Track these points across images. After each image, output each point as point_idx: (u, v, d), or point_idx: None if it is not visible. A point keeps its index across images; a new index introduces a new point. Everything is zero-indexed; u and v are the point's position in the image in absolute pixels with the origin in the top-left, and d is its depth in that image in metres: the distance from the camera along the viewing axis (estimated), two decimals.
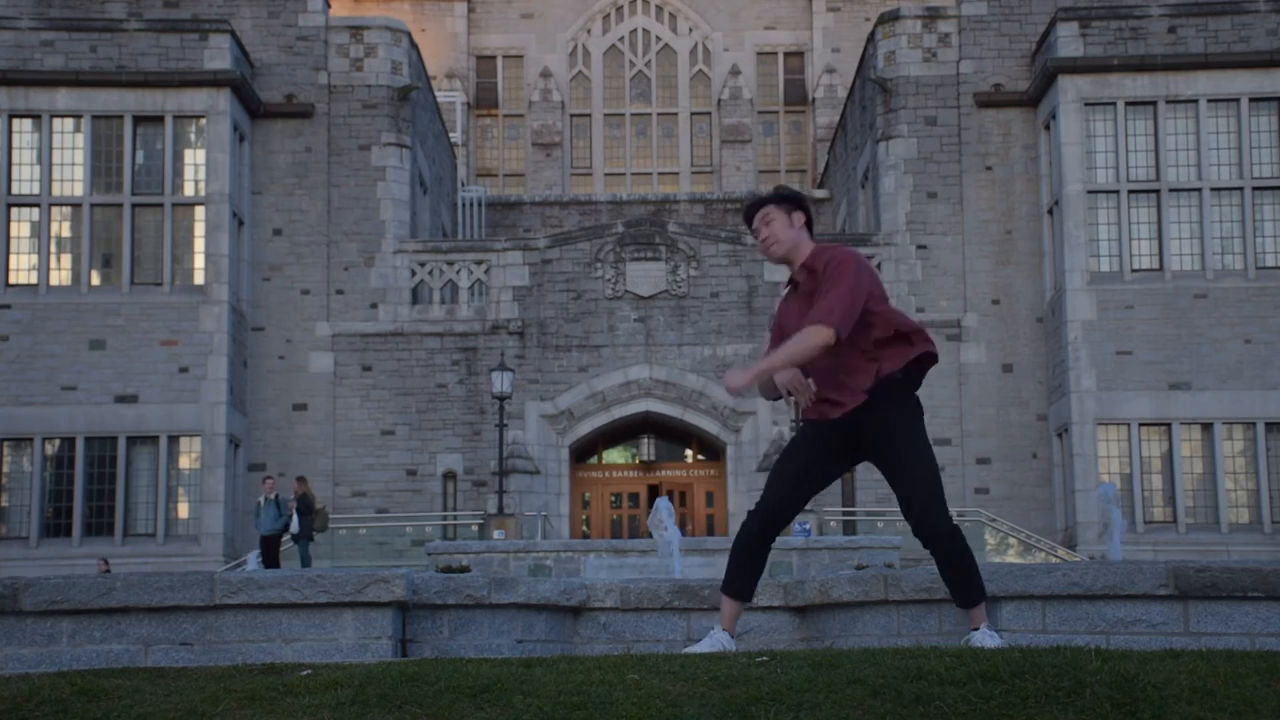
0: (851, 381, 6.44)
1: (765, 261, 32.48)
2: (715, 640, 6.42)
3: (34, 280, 30.58)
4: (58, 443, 30.26)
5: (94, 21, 31.67)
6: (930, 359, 6.74)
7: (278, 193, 32.62)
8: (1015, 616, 7.13)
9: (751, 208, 6.53)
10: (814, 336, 6.22)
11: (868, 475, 31.75)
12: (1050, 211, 31.81)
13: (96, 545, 29.52)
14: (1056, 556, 28.30)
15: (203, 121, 30.91)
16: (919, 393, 7.01)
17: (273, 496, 26.07)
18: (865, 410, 6.45)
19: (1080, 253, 30.53)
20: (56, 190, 30.71)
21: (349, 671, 5.32)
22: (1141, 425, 30.19)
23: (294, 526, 25.91)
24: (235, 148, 31.31)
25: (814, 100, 46.32)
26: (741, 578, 6.47)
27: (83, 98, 30.69)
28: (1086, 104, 30.89)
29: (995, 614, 7.25)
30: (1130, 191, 30.80)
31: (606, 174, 47.34)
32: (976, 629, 6.39)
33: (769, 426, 32.12)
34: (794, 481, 6.47)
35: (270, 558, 25.96)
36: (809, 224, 6.53)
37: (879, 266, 32.69)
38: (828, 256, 6.38)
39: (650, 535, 24.49)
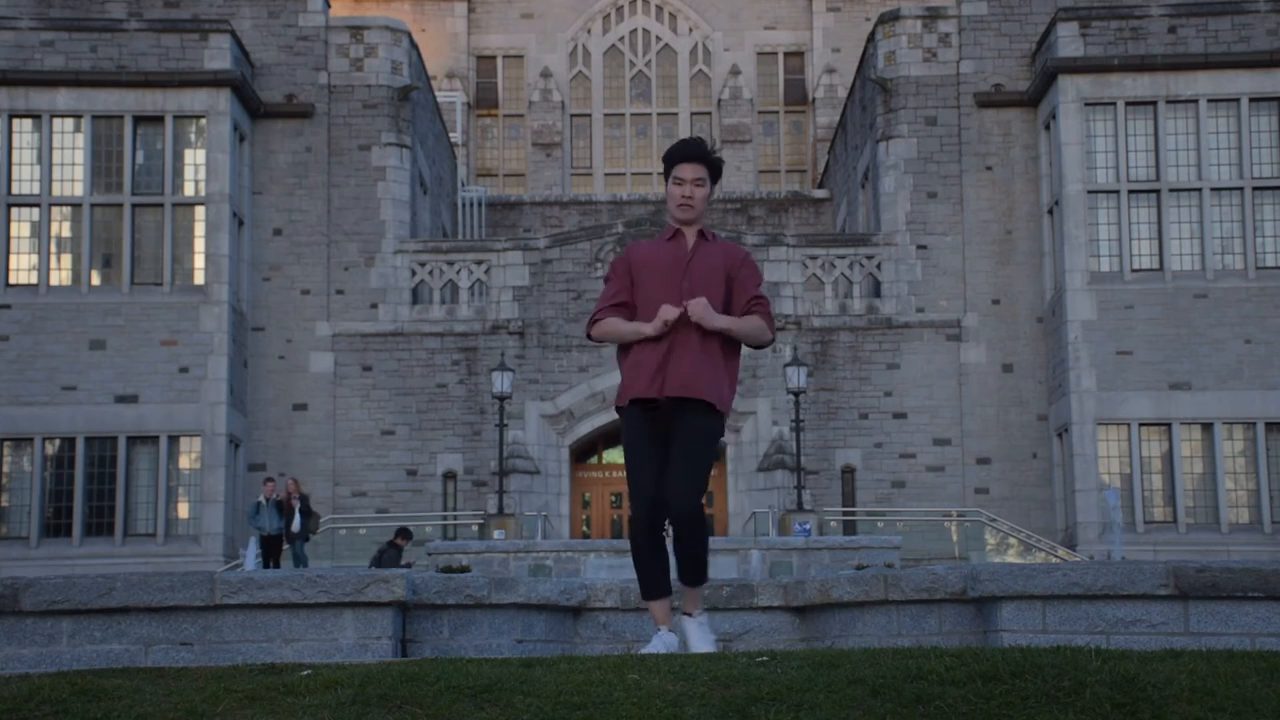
0: (714, 370, 6.53)
1: (765, 261, 32.48)
2: (666, 640, 6.54)
3: (34, 280, 30.58)
4: (58, 443, 30.26)
5: (94, 21, 31.67)
6: None
7: (278, 193, 32.62)
8: (1015, 616, 7.13)
9: (697, 152, 6.54)
10: (765, 334, 6.55)
11: (868, 475, 31.77)
12: (1050, 211, 31.81)
13: (96, 545, 29.53)
14: (1056, 556, 28.30)
15: (203, 121, 30.91)
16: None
17: (273, 497, 26.09)
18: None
19: (1080, 253, 30.53)
20: (56, 190, 30.70)
21: (349, 671, 5.32)
22: (1141, 425, 30.18)
23: (296, 524, 25.93)
24: (235, 148, 31.30)
25: (814, 100, 46.32)
26: (659, 576, 6.64)
27: (83, 98, 30.68)
28: (1086, 104, 30.88)
29: (995, 614, 7.25)
30: (1130, 191, 30.79)
31: (606, 174, 47.34)
32: (691, 614, 6.64)
33: (769, 426, 32.11)
34: (658, 470, 6.53)
35: (272, 558, 25.97)
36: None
37: (879, 267, 32.71)
38: (737, 252, 6.62)
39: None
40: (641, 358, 6.49)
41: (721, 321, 6.42)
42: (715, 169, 6.57)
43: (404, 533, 26.00)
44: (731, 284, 6.55)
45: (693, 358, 6.44)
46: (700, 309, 6.37)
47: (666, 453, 6.51)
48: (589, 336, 6.67)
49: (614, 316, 6.58)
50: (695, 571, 6.62)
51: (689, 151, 6.54)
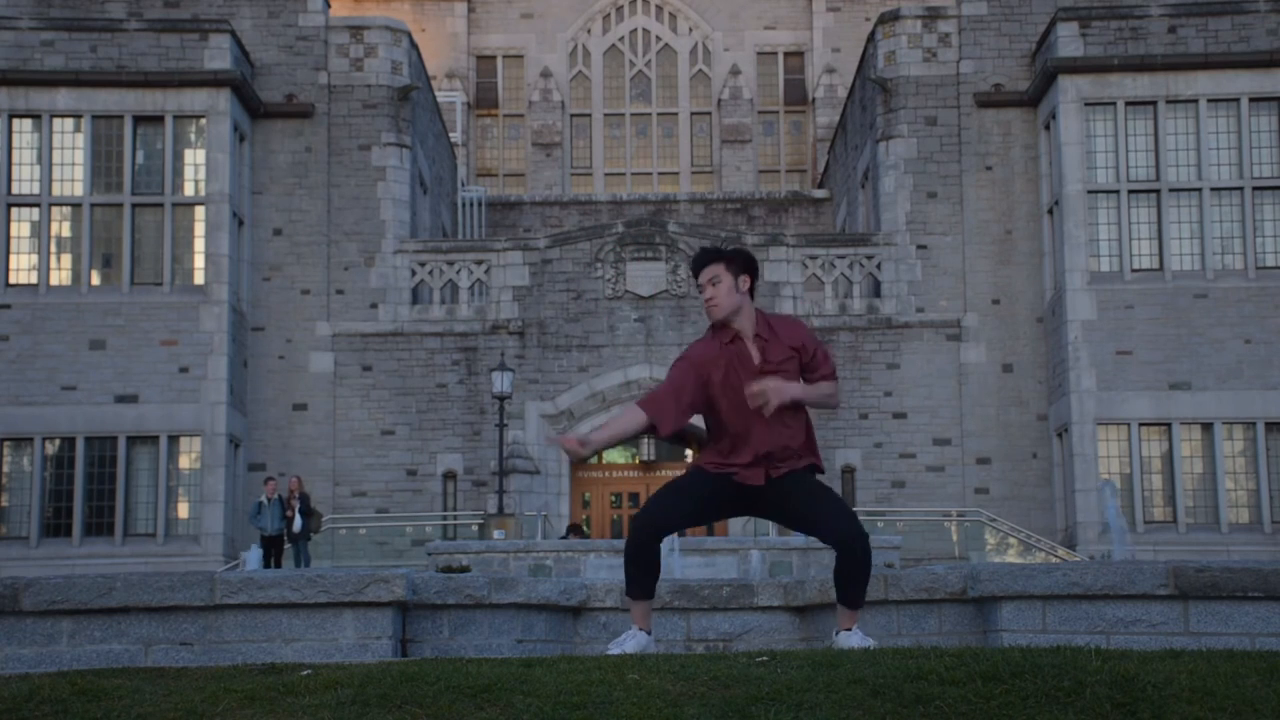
0: (793, 444, 6.69)
1: (765, 261, 32.49)
2: (638, 639, 6.59)
3: (34, 280, 30.57)
4: (58, 443, 30.25)
5: (94, 21, 31.67)
6: None
7: (278, 193, 32.62)
8: (1015, 616, 7.13)
9: (701, 260, 6.71)
10: (833, 399, 6.79)
11: (868, 475, 31.77)
12: (1050, 211, 31.81)
13: (96, 545, 29.53)
14: (1056, 556, 28.30)
15: (203, 121, 30.91)
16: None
17: (275, 497, 26.10)
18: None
19: (1080, 253, 30.53)
20: (56, 190, 30.70)
21: (349, 671, 5.32)
22: (1141, 425, 30.18)
23: (297, 525, 25.96)
24: (235, 148, 31.30)
25: (814, 100, 46.32)
26: (646, 579, 6.68)
27: (83, 98, 30.68)
28: (1086, 104, 30.88)
29: (995, 614, 7.25)
30: (1130, 191, 30.80)
31: (606, 174, 47.34)
32: (849, 629, 6.70)
33: None
34: (688, 516, 6.75)
35: (273, 558, 25.99)
36: (753, 287, 6.72)
37: (879, 267, 32.73)
38: (803, 338, 6.71)
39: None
40: (725, 436, 6.63)
41: (794, 390, 6.56)
42: (730, 260, 6.65)
43: (576, 529, 26.21)
44: (802, 360, 6.70)
45: (783, 430, 6.62)
46: (774, 394, 6.47)
47: (710, 507, 6.72)
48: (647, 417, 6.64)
49: (668, 409, 6.60)
50: (860, 594, 6.70)
51: (695, 264, 6.72)
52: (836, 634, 6.71)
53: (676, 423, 6.57)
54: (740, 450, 6.59)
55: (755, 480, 6.59)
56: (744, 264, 6.64)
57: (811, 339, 6.74)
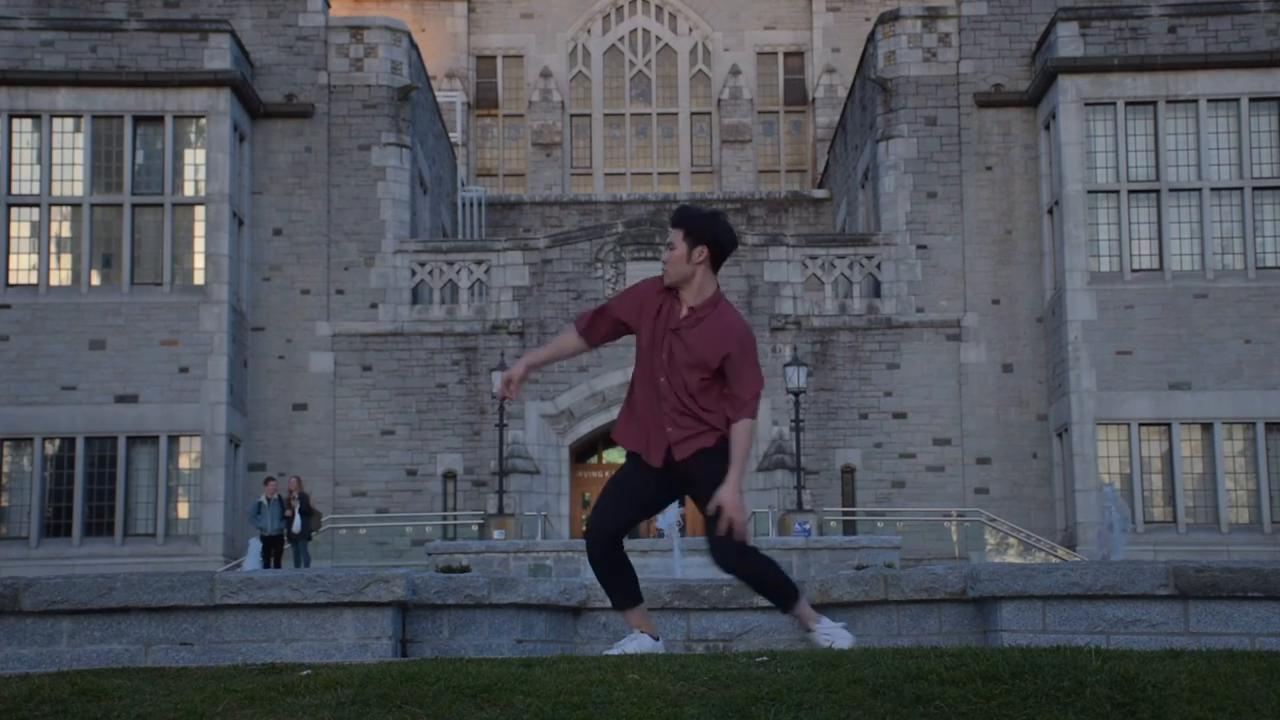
0: (709, 418, 6.43)
1: (765, 261, 32.52)
2: (640, 642, 6.51)
3: (34, 280, 30.58)
4: (58, 443, 30.25)
5: (94, 21, 31.67)
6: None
7: (278, 193, 32.62)
8: (1015, 616, 7.13)
9: (672, 219, 6.56)
10: (747, 435, 6.38)
11: (867, 475, 31.76)
12: (1050, 211, 31.82)
13: (96, 545, 29.53)
14: (1056, 556, 28.30)
15: (203, 121, 30.91)
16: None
17: (274, 497, 26.11)
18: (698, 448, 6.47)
19: (1080, 253, 30.53)
20: (56, 190, 30.70)
21: (349, 671, 5.32)
22: (1141, 425, 30.18)
23: (297, 525, 25.97)
24: (235, 148, 31.30)
25: (814, 100, 46.33)
26: (620, 587, 6.57)
27: (83, 98, 30.68)
28: (1086, 104, 30.89)
29: (995, 614, 7.25)
30: (1130, 191, 30.80)
31: (606, 174, 47.34)
32: (811, 629, 6.57)
33: (769, 426, 32.10)
34: (633, 506, 6.54)
35: (273, 558, 26.00)
36: (716, 258, 6.47)
37: (879, 267, 32.74)
38: (729, 345, 6.34)
39: (660, 534, 24.53)
40: (640, 411, 6.46)
41: (733, 477, 6.28)
42: (690, 227, 6.42)
43: None
44: (721, 365, 6.38)
45: (686, 415, 6.38)
46: (734, 517, 6.25)
47: (650, 496, 6.53)
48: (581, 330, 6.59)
49: (596, 324, 6.56)
50: (776, 601, 6.59)
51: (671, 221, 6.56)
52: (808, 633, 6.57)
53: (600, 338, 6.53)
54: (644, 417, 6.40)
55: (655, 460, 6.39)
56: (703, 234, 6.39)
57: (739, 351, 6.34)
